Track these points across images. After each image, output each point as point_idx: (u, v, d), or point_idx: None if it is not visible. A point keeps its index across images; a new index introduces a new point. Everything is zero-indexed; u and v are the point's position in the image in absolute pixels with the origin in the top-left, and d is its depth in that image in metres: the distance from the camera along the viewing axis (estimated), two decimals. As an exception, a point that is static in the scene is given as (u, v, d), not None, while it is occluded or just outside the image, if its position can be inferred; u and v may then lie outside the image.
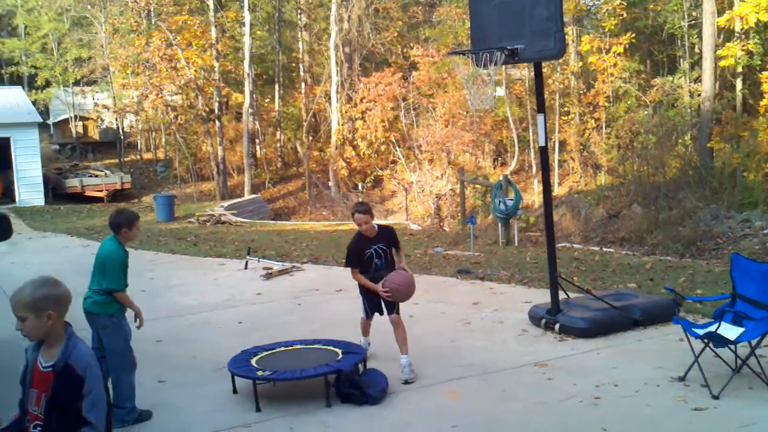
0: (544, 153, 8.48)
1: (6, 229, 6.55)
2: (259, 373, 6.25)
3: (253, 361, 6.59)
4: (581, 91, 32.02)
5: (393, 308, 6.95)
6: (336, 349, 6.83)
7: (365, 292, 7.09)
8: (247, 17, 34.13)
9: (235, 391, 6.50)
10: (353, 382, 6.28)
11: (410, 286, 6.87)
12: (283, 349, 7.00)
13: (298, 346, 7.08)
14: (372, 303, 7.09)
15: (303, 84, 39.25)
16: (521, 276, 11.62)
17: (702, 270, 12.03)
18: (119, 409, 5.96)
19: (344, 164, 34.75)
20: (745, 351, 6.31)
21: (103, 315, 6.13)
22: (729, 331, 6.26)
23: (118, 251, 6.22)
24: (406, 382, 6.64)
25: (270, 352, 6.90)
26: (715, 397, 5.95)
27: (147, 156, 40.80)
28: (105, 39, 37.49)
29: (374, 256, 6.93)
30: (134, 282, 11.46)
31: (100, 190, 31.81)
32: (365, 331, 7.47)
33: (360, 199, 30.90)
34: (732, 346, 6.29)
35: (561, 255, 13.40)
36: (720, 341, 6.18)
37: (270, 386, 6.50)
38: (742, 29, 25.27)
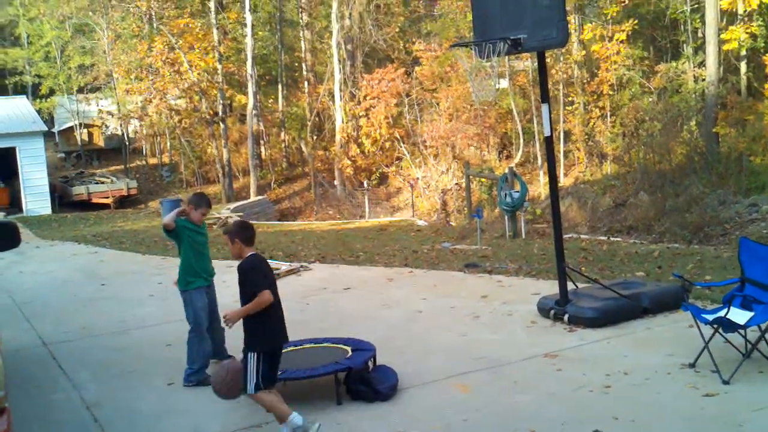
0: (549, 143, 8.45)
1: (14, 238, 6.56)
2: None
3: (263, 361, 6.58)
4: (585, 80, 31.91)
5: None
6: (345, 347, 6.83)
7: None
8: (248, 18, 34.16)
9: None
10: (363, 379, 6.28)
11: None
12: (292, 348, 7.00)
13: (308, 345, 7.09)
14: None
15: (306, 83, 39.28)
16: (529, 268, 11.61)
17: (710, 256, 12.00)
18: (187, 367, 7.02)
19: (349, 162, 34.74)
20: (755, 335, 6.28)
21: (180, 290, 7.27)
22: (738, 315, 6.23)
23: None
24: None
25: (280, 351, 6.89)
26: (726, 383, 5.92)
27: (152, 161, 40.90)
28: (107, 45, 37.59)
29: None
30: (143, 286, 11.54)
31: (107, 197, 31.90)
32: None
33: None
34: (742, 331, 6.26)
35: (568, 246, 13.38)
36: (729, 326, 6.15)
37: (281, 386, 6.50)
38: (745, 12, 25.14)
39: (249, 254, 5.60)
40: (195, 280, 7.22)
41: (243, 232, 5.62)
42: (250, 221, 25.65)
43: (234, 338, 8.20)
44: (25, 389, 7.05)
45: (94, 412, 6.34)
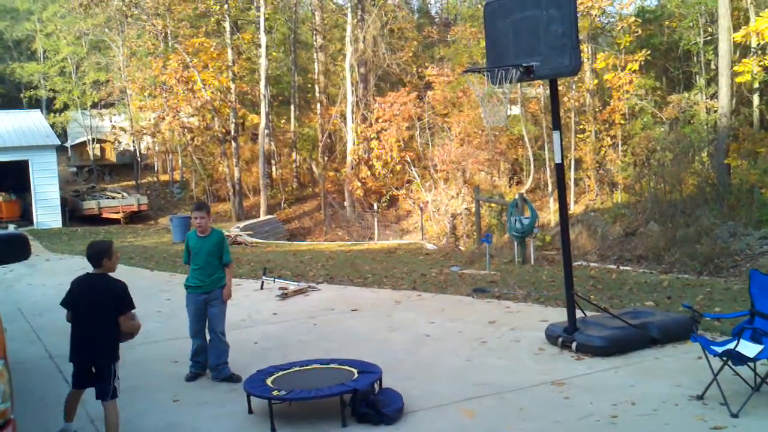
0: (559, 170, 8.45)
1: (24, 250, 6.60)
2: (275, 392, 6.23)
3: (269, 381, 6.58)
4: (597, 109, 31.98)
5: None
6: (352, 369, 6.80)
7: None
8: (263, 39, 34.41)
9: (250, 411, 6.49)
10: (369, 401, 6.25)
11: None
12: (298, 369, 6.99)
13: (314, 366, 7.06)
14: None
15: (318, 105, 39.47)
16: (537, 294, 11.57)
17: (720, 287, 11.93)
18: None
19: (359, 184, 34.81)
20: (765, 369, 6.23)
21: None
22: (748, 348, 6.19)
23: (189, 233, 7.85)
24: None
25: (286, 371, 6.89)
26: (734, 416, 5.87)
27: (164, 177, 41.09)
28: (122, 62, 37.91)
29: None
30: (151, 303, 11.55)
31: (117, 212, 32.03)
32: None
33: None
34: (751, 364, 6.22)
35: (577, 273, 13.34)
36: (739, 359, 6.11)
37: (286, 406, 6.48)
38: (758, 45, 25.19)
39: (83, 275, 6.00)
40: (187, 286, 7.82)
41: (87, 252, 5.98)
42: (259, 240, 25.64)
43: (241, 353, 8.20)
44: (31, 401, 7.04)
45: (98, 426, 6.33)
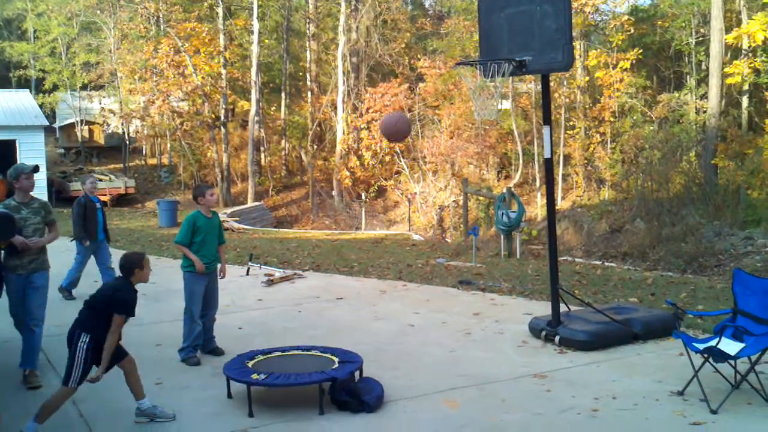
0: (548, 165, 8.48)
1: (9, 229, 6.56)
2: (254, 377, 6.22)
3: (249, 365, 6.59)
4: (587, 106, 32.05)
5: None
6: (333, 357, 6.81)
7: None
8: (255, 25, 34.27)
9: (230, 396, 6.50)
10: (349, 389, 6.26)
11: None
12: (279, 354, 6.99)
13: (296, 352, 7.07)
14: None
15: (309, 93, 39.37)
16: (522, 288, 11.62)
17: (704, 286, 12.02)
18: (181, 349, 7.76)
19: (348, 174, 34.78)
20: (745, 366, 6.29)
21: (182, 268, 7.85)
22: (729, 346, 6.25)
23: (193, 214, 7.83)
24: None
25: (266, 356, 6.89)
26: (714, 412, 5.93)
27: (152, 161, 40.92)
28: (113, 44, 37.69)
29: None
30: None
31: (104, 195, 31.86)
32: None
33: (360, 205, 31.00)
34: (732, 362, 6.27)
35: (563, 268, 13.40)
36: (720, 356, 6.16)
37: (265, 391, 6.49)
38: (749, 47, 25.30)
39: None
40: (188, 266, 7.82)
41: None
42: (246, 226, 25.61)
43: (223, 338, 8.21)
44: (13, 381, 7.02)
45: (80, 407, 6.32)
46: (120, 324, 5.71)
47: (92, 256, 11.30)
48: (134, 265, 5.94)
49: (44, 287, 7.19)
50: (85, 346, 5.65)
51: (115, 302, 5.75)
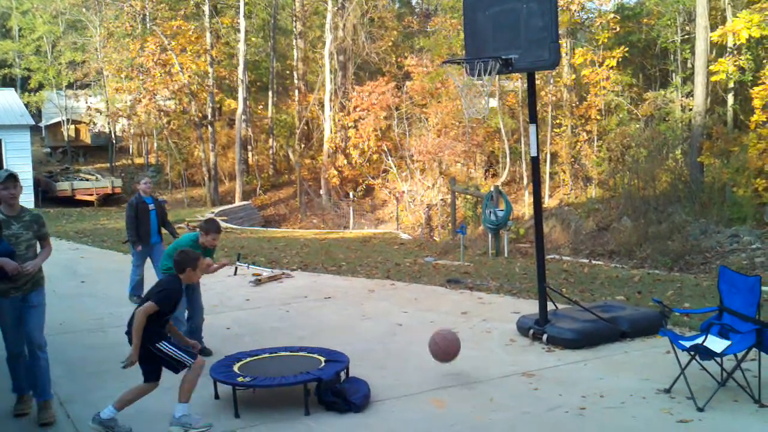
0: (535, 163, 8.49)
1: None
2: (239, 379, 6.22)
3: (235, 367, 6.57)
4: (574, 104, 32.14)
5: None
6: (320, 357, 6.80)
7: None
8: (242, 24, 34.20)
9: (217, 397, 6.48)
10: (335, 390, 6.25)
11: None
12: (267, 355, 6.98)
13: (283, 353, 7.05)
14: None
15: (296, 91, 39.33)
16: (510, 286, 11.64)
17: (690, 283, 12.07)
18: None
19: (336, 173, 34.76)
20: (731, 364, 6.32)
21: (162, 270, 7.94)
22: (715, 343, 6.27)
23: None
24: None
25: (253, 358, 6.88)
26: (701, 410, 5.96)
27: (138, 160, 40.76)
28: (99, 43, 37.48)
29: None
30: (123, 285, 11.46)
31: (91, 194, 31.75)
32: None
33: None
34: (718, 359, 6.31)
35: (550, 267, 13.44)
36: (706, 354, 6.19)
37: (251, 393, 6.47)
38: (734, 45, 25.42)
39: None
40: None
41: None
42: (234, 225, 25.55)
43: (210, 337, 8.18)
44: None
45: (66, 408, 6.29)
46: (148, 310, 5.55)
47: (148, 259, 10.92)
48: (188, 264, 5.91)
49: (42, 305, 6.19)
50: (157, 344, 5.65)
51: (156, 292, 5.74)
